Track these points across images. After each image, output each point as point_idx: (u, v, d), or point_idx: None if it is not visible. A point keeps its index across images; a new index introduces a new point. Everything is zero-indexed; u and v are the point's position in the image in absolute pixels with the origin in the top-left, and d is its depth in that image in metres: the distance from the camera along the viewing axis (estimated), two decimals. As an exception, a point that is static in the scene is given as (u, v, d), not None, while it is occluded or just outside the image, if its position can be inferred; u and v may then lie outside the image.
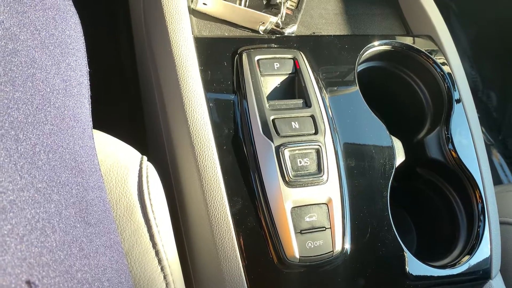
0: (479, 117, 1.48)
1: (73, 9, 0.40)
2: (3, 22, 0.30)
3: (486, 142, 1.41)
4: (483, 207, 0.58)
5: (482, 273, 0.56)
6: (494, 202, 0.59)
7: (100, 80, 0.44)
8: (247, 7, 0.60)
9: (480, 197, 0.58)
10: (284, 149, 0.49)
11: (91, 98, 0.41)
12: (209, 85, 0.52)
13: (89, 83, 0.41)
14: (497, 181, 1.33)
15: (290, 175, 0.48)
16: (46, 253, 0.27)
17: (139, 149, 0.50)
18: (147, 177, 0.45)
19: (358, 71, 0.62)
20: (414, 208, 0.67)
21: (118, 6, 0.85)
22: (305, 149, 0.50)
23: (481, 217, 0.57)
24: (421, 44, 0.64)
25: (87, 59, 0.41)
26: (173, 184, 0.54)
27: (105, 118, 0.53)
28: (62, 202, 0.31)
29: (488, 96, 1.44)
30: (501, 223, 0.67)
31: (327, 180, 0.50)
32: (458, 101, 0.61)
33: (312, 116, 0.52)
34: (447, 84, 0.61)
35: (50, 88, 0.33)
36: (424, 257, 0.56)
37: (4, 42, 0.30)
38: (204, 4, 0.58)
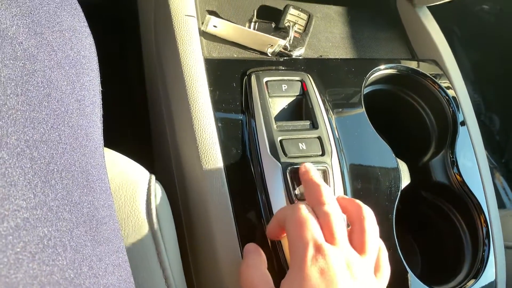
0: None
1: (88, 30, 0.41)
2: (22, 43, 0.31)
3: (489, 165, 1.42)
4: (488, 231, 0.58)
5: (487, 297, 0.56)
6: (499, 226, 0.59)
7: (109, 98, 0.45)
8: (256, 30, 0.61)
9: (485, 221, 0.58)
10: (291, 169, 0.49)
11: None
12: (218, 106, 0.53)
13: (101, 103, 0.42)
14: (500, 204, 1.32)
15: (297, 196, 0.49)
16: (57, 272, 0.28)
17: (146, 165, 0.51)
18: (155, 196, 0.46)
19: (364, 93, 0.63)
20: (419, 230, 0.67)
21: (128, 28, 0.87)
22: (312, 170, 0.50)
23: (486, 241, 0.57)
24: (426, 68, 0.65)
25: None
26: (179, 202, 0.54)
27: (112, 135, 0.54)
28: (74, 221, 0.31)
29: (490, 119, 1.44)
30: (506, 247, 0.67)
31: (333, 202, 0.50)
32: (463, 124, 0.62)
33: (319, 138, 0.52)
34: (452, 108, 0.62)
35: (65, 108, 0.34)
36: (429, 280, 0.56)
37: (23, 63, 0.31)
38: (214, 26, 0.59)
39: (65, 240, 0.30)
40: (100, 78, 0.43)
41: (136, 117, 0.77)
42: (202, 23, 0.59)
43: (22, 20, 0.32)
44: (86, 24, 0.41)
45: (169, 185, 0.57)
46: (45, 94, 0.32)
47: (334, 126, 0.56)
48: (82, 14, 0.39)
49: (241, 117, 0.53)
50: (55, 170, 0.31)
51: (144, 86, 0.75)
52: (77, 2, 0.39)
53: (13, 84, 0.30)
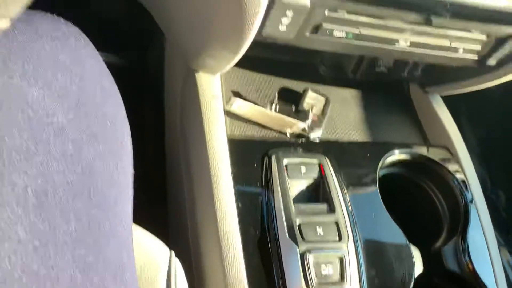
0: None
1: (126, 120, 0.43)
2: (71, 138, 0.34)
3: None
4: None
5: None
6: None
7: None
8: (277, 111, 0.64)
9: (498, 313, 0.58)
10: (309, 255, 0.50)
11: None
12: (239, 184, 0.55)
13: (132, 185, 0.43)
14: (508, 283, 1.30)
15: (314, 283, 0.49)
16: None
17: (162, 238, 0.52)
18: (175, 276, 0.46)
19: (378, 177, 0.65)
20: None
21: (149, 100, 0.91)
22: (329, 256, 0.51)
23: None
24: (438, 154, 0.67)
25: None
26: (194, 277, 0.55)
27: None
28: None
29: (497, 195, 1.45)
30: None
31: (349, 289, 0.51)
32: (474, 212, 0.63)
33: (336, 223, 0.54)
34: (464, 196, 0.64)
35: (105, 199, 0.36)
36: None
37: (71, 155, 0.33)
38: (238, 106, 0.62)
39: None
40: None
41: (154, 193, 0.79)
42: (227, 103, 0.62)
43: (74, 112, 0.35)
44: (125, 113, 0.44)
45: (184, 256, 0.58)
46: (88, 184, 0.34)
47: (351, 209, 0.57)
48: (122, 104, 0.42)
49: (261, 197, 0.55)
50: (94, 263, 0.32)
51: (164, 163, 0.77)
52: (119, 93, 0.42)
53: (61, 176, 0.32)
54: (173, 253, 0.50)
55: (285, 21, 0.46)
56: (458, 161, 0.67)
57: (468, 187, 0.65)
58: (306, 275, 0.49)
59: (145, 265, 0.45)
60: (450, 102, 0.75)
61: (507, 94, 1.39)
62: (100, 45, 0.42)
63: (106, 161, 0.37)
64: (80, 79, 0.36)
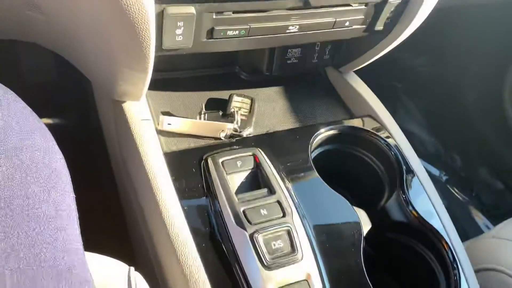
0: (447, 179, 1.55)
1: (57, 148, 0.47)
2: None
3: (462, 201, 1.48)
4: (453, 256, 0.62)
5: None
6: (462, 249, 0.63)
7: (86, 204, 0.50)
8: (206, 119, 0.69)
9: (448, 247, 0.62)
10: (258, 235, 0.54)
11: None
12: (182, 192, 0.58)
13: (76, 207, 0.46)
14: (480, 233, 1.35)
15: (268, 259, 0.53)
16: None
17: (127, 261, 0.54)
18: (135, 285, 0.49)
19: (313, 156, 0.70)
20: (396, 272, 0.70)
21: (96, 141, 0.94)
22: (277, 231, 0.55)
23: (455, 265, 0.61)
24: (362, 123, 0.73)
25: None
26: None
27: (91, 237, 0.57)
28: None
29: (452, 158, 1.53)
30: (481, 270, 0.70)
31: (302, 257, 0.54)
32: (408, 165, 0.69)
33: (278, 201, 0.58)
34: (393, 152, 0.69)
35: (43, 213, 0.39)
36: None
37: (3, 182, 0.36)
38: (168, 124, 0.66)
39: None
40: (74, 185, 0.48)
41: (114, 219, 0.81)
42: (158, 123, 0.67)
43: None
44: (55, 143, 0.47)
45: (150, 273, 0.60)
46: (24, 204, 0.37)
47: (291, 190, 0.61)
48: (51, 136, 0.46)
49: (204, 198, 0.59)
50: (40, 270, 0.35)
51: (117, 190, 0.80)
52: (45, 127, 0.46)
53: None
54: (132, 268, 0.52)
55: (179, 31, 0.51)
56: (381, 123, 0.73)
57: (399, 147, 0.70)
58: (259, 254, 0.53)
59: (103, 281, 0.48)
60: (386, 85, 0.81)
61: (435, 66, 1.50)
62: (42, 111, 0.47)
63: (42, 185, 0.41)
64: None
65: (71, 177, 0.47)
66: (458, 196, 1.50)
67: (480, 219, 1.43)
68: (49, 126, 0.47)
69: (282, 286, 0.52)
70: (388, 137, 0.72)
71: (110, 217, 0.85)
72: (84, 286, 0.41)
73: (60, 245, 0.39)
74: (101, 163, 0.85)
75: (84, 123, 1.04)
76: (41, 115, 0.47)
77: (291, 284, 0.52)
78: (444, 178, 1.51)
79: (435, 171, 1.52)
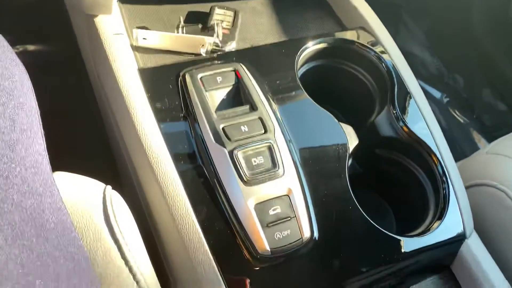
0: (449, 100, 1.51)
1: (18, 60, 0.43)
2: None
3: (462, 122, 1.45)
4: (443, 170, 0.60)
5: (456, 234, 0.58)
6: (453, 163, 0.61)
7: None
8: (185, 33, 0.64)
9: (438, 161, 0.60)
10: (237, 152, 0.52)
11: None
12: (158, 109, 0.55)
13: (40, 122, 0.44)
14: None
15: (247, 175, 0.51)
16: None
17: (113, 181, 0.53)
18: (111, 202, 0.48)
19: (302, 72, 0.66)
20: (385, 189, 0.69)
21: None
22: (257, 148, 0.53)
23: (444, 179, 0.60)
24: (354, 36, 0.68)
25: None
26: (142, 206, 0.56)
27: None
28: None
29: (454, 80, 1.48)
30: (473, 185, 0.69)
31: (283, 173, 0.52)
32: (400, 79, 0.65)
33: (260, 118, 0.55)
34: (384, 64, 0.65)
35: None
36: (403, 231, 0.59)
37: None
38: (144, 39, 0.62)
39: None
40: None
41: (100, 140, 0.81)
42: (133, 38, 0.62)
43: None
44: (15, 56, 0.43)
45: (132, 191, 0.59)
46: None
47: (274, 105, 0.58)
48: (10, 48, 0.42)
49: (182, 116, 0.56)
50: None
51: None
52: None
53: None
54: (109, 186, 0.51)
55: None
56: (374, 36, 0.68)
57: (392, 61, 0.66)
58: (238, 170, 0.51)
59: (77, 200, 0.47)
60: (390, 5, 0.75)
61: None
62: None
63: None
64: None
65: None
66: (459, 118, 1.46)
67: (479, 141, 1.41)
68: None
69: (263, 201, 0.51)
70: (382, 52, 0.67)
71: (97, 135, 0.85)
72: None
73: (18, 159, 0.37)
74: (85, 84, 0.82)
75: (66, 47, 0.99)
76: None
77: (271, 199, 0.51)
78: (445, 100, 1.47)
79: (437, 93, 1.48)
